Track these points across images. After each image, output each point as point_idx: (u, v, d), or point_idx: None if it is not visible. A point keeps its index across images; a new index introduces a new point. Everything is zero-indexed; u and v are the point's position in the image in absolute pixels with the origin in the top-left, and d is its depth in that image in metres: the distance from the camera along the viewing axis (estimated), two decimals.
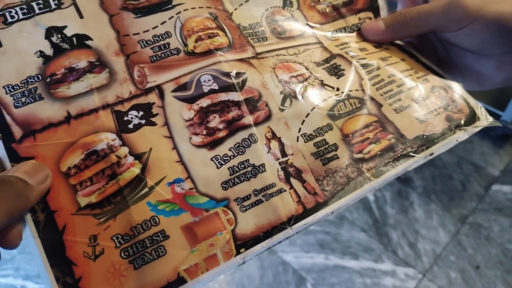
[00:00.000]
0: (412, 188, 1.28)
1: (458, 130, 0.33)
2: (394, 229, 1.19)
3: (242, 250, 0.27)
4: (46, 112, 0.27)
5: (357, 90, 0.34)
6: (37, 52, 0.29)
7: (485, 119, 0.35)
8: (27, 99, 0.27)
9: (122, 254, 0.25)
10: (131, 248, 0.25)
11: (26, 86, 0.28)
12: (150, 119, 0.29)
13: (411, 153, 0.32)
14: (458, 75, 0.39)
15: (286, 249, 1.16)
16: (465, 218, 1.21)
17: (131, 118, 0.28)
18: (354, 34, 0.39)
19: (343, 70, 0.35)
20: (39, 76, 0.28)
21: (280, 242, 0.28)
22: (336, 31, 0.39)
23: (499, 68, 0.37)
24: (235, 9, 0.35)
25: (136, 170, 0.27)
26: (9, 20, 0.29)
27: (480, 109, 0.35)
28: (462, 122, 0.34)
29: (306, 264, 1.11)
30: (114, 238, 0.26)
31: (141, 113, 0.29)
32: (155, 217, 0.26)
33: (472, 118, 0.35)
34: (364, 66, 0.35)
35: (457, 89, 0.36)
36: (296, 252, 1.14)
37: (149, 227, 0.26)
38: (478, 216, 1.22)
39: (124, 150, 0.27)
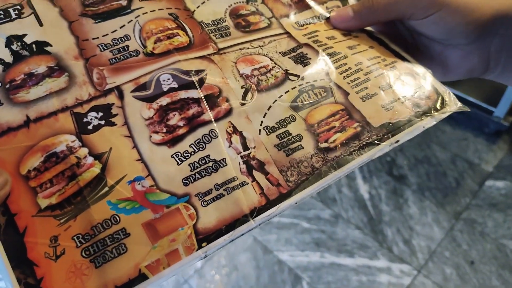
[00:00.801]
0: (407, 185, 1.28)
1: (424, 117, 0.34)
2: (389, 226, 1.19)
3: (204, 244, 0.27)
4: (5, 117, 0.28)
5: (323, 79, 0.34)
6: None
7: (453, 104, 0.35)
8: None
9: (83, 254, 0.25)
10: (91, 247, 0.26)
11: None
12: (110, 119, 0.29)
13: (376, 141, 0.32)
14: (424, 65, 0.39)
15: (281, 248, 1.16)
16: (459, 214, 1.21)
17: (91, 119, 0.29)
18: (323, 22, 0.39)
19: (310, 59, 0.35)
20: None
21: (243, 234, 0.28)
22: (304, 21, 0.39)
23: (464, 58, 0.37)
24: (197, 7, 0.36)
25: (96, 170, 0.27)
26: None
27: (449, 95, 0.35)
28: (430, 109, 0.34)
29: (301, 263, 1.10)
30: (75, 238, 0.26)
31: (100, 114, 0.29)
32: (116, 216, 0.27)
33: (441, 104, 0.35)
34: (331, 55, 0.36)
35: (425, 75, 0.36)
36: (292, 251, 1.14)
37: (110, 226, 0.26)
38: (472, 212, 1.22)
39: (84, 151, 0.28)
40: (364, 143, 0.32)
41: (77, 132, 0.28)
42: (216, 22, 0.36)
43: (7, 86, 0.28)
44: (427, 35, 0.38)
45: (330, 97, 0.33)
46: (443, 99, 0.35)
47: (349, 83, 0.34)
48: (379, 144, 0.32)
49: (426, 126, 0.34)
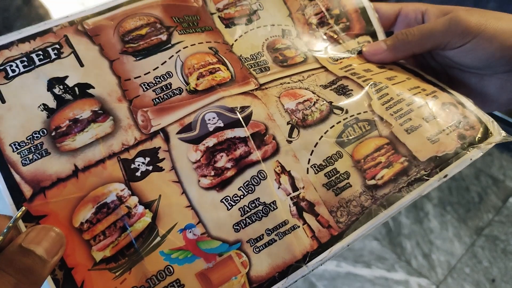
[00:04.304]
0: (428, 199, 1.25)
1: (471, 148, 0.32)
2: (408, 239, 1.17)
3: None
4: (54, 167, 0.27)
5: (366, 111, 0.33)
6: (40, 105, 0.29)
7: (498, 134, 0.33)
8: (34, 156, 0.27)
9: None
10: None
11: (32, 142, 0.28)
12: (157, 164, 0.29)
13: (424, 177, 0.31)
14: None
15: None
16: (481, 230, 1.19)
17: (138, 165, 0.28)
18: (355, 56, 0.38)
19: (351, 90, 0.34)
20: (44, 131, 0.28)
21: (295, 281, 0.28)
22: (338, 55, 0.38)
23: (503, 88, 0.36)
24: (235, 41, 0.35)
25: (147, 219, 0.27)
26: (11, 74, 0.29)
27: (493, 124, 0.34)
28: (476, 139, 0.33)
29: (317, 271, 1.10)
30: None
31: (147, 159, 0.29)
32: (169, 266, 0.26)
33: (485, 134, 0.33)
34: (372, 85, 0.35)
35: (467, 104, 0.35)
36: None
37: (164, 277, 0.26)
38: (494, 228, 1.19)
39: (134, 200, 0.27)
40: (412, 178, 0.31)
41: (126, 180, 0.28)
42: (254, 57, 0.35)
43: (53, 133, 0.28)
44: (464, 64, 0.36)
45: (374, 130, 0.32)
46: (487, 128, 0.33)
47: (392, 115, 0.33)
48: (428, 179, 0.31)
49: (473, 158, 0.32)
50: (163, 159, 0.29)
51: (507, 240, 1.16)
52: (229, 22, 0.35)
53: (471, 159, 0.32)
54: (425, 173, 0.31)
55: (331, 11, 0.38)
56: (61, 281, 0.25)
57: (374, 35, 0.39)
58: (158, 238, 0.27)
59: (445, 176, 0.31)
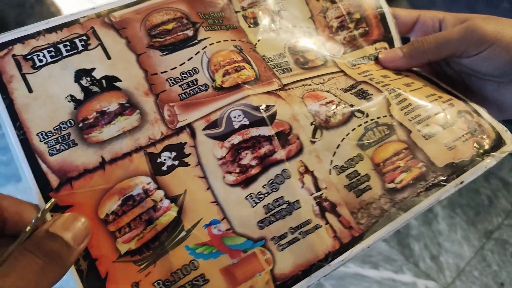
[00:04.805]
0: None
1: (486, 157, 0.33)
2: (416, 241, 1.17)
3: None
4: (81, 158, 0.27)
5: (385, 116, 0.33)
6: (68, 96, 0.29)
7: (511, 144, 0.34)
8: (61, 146, 0.27)
9: None
10: None
11: (59, 133, 0.28)
12: (183, 159, 0.29)
13: (442, 182, 0.31)
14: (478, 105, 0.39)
15: None
16: (491, 234, 1.19)
17: (164, 159, 0.28)
18: (373, 62, 0.39)
19: (371, 94, 0.34)
20: (72, 122, 0.28)
21: (318, 280, 0.28)
22: (356, 60, 0.38)
23: None
24: (258, 40, 0.35)
25: (172, 213, 0.27)
26: (38, 64, 0.29)
27: (506, 133, 0.34)
28: (489, 147, 0.33)
29: None
30: (156, 284, 0.26)
31: (173, 154, 0.29)
32: (194, 261, 0.26)
33: (498, 143, 0.34)
34: (390, 91, 0.35)
35: (482, 113, 0.35)
36: None
37: (189, 272, 0.26)
38: (504, 232, 1.19)
39: (160, 194, 0.27)
40: (430, 184, 0.31)
41: (152, 173, 0.28)
42: (277, 57, 0.35)
43: (80, 125, 0.28)
44: (480, 72, 0.37)
45: (393, 135, 0.33)
46: (500, 137, 0.34)
47: (410, 120, 0.34)
48: (445, 185, 0.31)
49: (488, 166, 0.33)
50: (189, 154, 0.29)
51: None
52: (252, 22, 0.36)
53: (485, 167, 0.32)
54: (443, 178, 0.31)
55: (352, 15, 0.39)
56: (85, 272, 0.25)
57: (391, 42, 0.39)
58: (184, 233, 0.27)
59: (461, 182, 0.32)
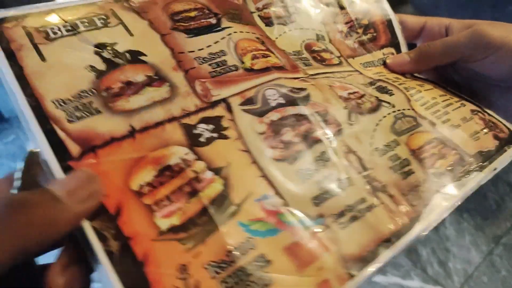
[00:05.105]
0: None
1: (508, 147, 0.33)
2: (424, 246, 1.11)
3: (354, 272, 0.22)
4: (106, 126, 0.23)
5: (409, 109, 0.33)
6: (87, 66, 0.25)
7: None
8: (82, 114, 0.23)
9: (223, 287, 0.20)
10: (231, 278, 0.20)
11: (79, 100, 0.23)
12: (222, 132, 0.25)
13: (478, 168, 0.30)
14: None
15: None
16: (499, 239, 1.15)
17: (201, 131, 0.25)
18: (382, 67, 0.40)
19: (391, 90, 0.34)
20: (94, 91, 0.24)
21: (386, 261, 0.24)
22: (366, 64, 0.39)
23: None
24: (276, 38, 0.35)
25: (218, 186, 0.23)
26: (52, 36, 0.25)
27: None
28: (507, 140, 0.34)
29: None
30: (209, 266, 0.20)
31: (211, 126, 0.25)
32: (250, 239, 0.22)
33: None
34: (407, 89, 0.35)
35: (491, 113, 0.37)
36: None
37: (246, 251, 0.21)
38: None
39: (201, 165, 0.23)
40: (468, 169, 0.30)
41: (190, 144, 0.24)
42: (296, 53, 0.35)
43: (104, 94, 0.24)
44: (487, 77, 0.37)
45: (420, 126, 0.32)
46: None
47: (432, 114, 0.34)
48: (482, 170, 0.30)
49: None
50: (228, 127, 0.26)
51: None
52: (268, 21, 0.36)
53: (511, 156, 0.33)
54: (478, 164, 0.31)
55: (360, 20, 0.40)
56: (117, 254, 0.19)
57: (398, 47, 0.41)
58: (233, 207, 0.22)
59: (495, 169, 0.31)
